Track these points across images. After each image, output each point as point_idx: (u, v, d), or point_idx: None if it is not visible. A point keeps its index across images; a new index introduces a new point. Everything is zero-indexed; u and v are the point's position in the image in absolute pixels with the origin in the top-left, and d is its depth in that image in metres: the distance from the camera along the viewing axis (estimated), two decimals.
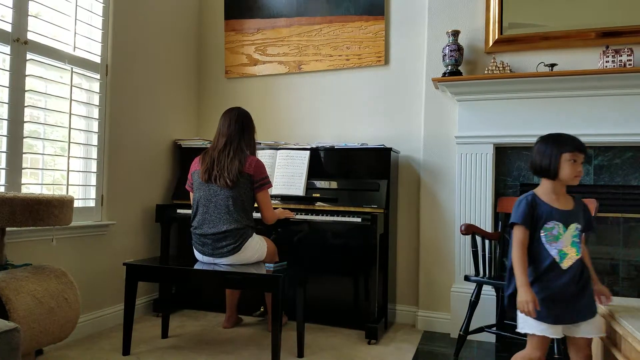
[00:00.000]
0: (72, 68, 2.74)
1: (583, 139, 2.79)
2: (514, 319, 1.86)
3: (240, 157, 2.60)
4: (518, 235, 1.78)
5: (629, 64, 2.69)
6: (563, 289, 1.74)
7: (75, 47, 2.76)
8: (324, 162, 3.22)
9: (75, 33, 2.76)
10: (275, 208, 2.82)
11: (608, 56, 2.73)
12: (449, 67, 3.03)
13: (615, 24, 2.83)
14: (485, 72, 2.96)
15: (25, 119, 2.47)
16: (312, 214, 2.96)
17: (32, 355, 1.98)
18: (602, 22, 2.86)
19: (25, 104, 2.48)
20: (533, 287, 1.74)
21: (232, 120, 2.67)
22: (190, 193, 2.76)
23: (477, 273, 2.67)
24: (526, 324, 1.76)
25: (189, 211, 2.78)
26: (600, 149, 2.85)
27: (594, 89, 2.78)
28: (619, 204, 2.85)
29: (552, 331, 1.75)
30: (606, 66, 2.73)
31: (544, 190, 1.82)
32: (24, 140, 2.47)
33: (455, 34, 3.03)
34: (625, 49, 2.71)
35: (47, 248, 2.56)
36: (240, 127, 2.67)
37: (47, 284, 1.96)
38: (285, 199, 3.12)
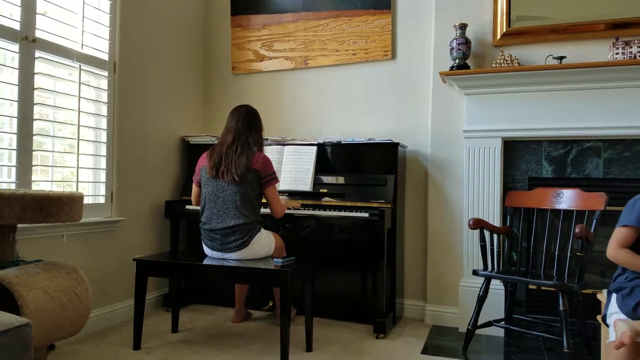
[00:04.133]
0: (80, 65, 2.76)
1: (592, 132, 2.80)
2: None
3: (247, 153, 2.62)
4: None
5: (639, 56, 2.66)
6: None
7: (83, 45, 2.78)
8: (331, 157, 3.22)
9: (83, 31, 2.78)
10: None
11: (618, 48, 2.70)
12: (457, 61, 3.01)
13: (625, 15, 2.79)
14: (493, 65, 2.94)
15: (34, 117, 2.50)
16: (319, 209, 2.96)
17: (44, 350, 2.01)
18: (611, 14, 2.82)
19: (35, 102, 2.50)
20: None
21: (241, 117, 2.69)
22: (194, 186, 2.78)
23: (485, 267, 2.66)
24: None
25: (198, 207, 2.80)
26: (610, 142, 2.82)
27: (603, 81, 2.75)
28: (629, 198, 2.81)
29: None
30: (616, 58, 2.70)
31: None
32: (34, 137, 2.49)
33: (463, 27, 3.00)
34: (636, 41, 2.67)
35: (57, 244, 2.58)
36: (248, 124, 2.69)
37: (58, 280, 1.99)
38: (292, 194, 3.12)
